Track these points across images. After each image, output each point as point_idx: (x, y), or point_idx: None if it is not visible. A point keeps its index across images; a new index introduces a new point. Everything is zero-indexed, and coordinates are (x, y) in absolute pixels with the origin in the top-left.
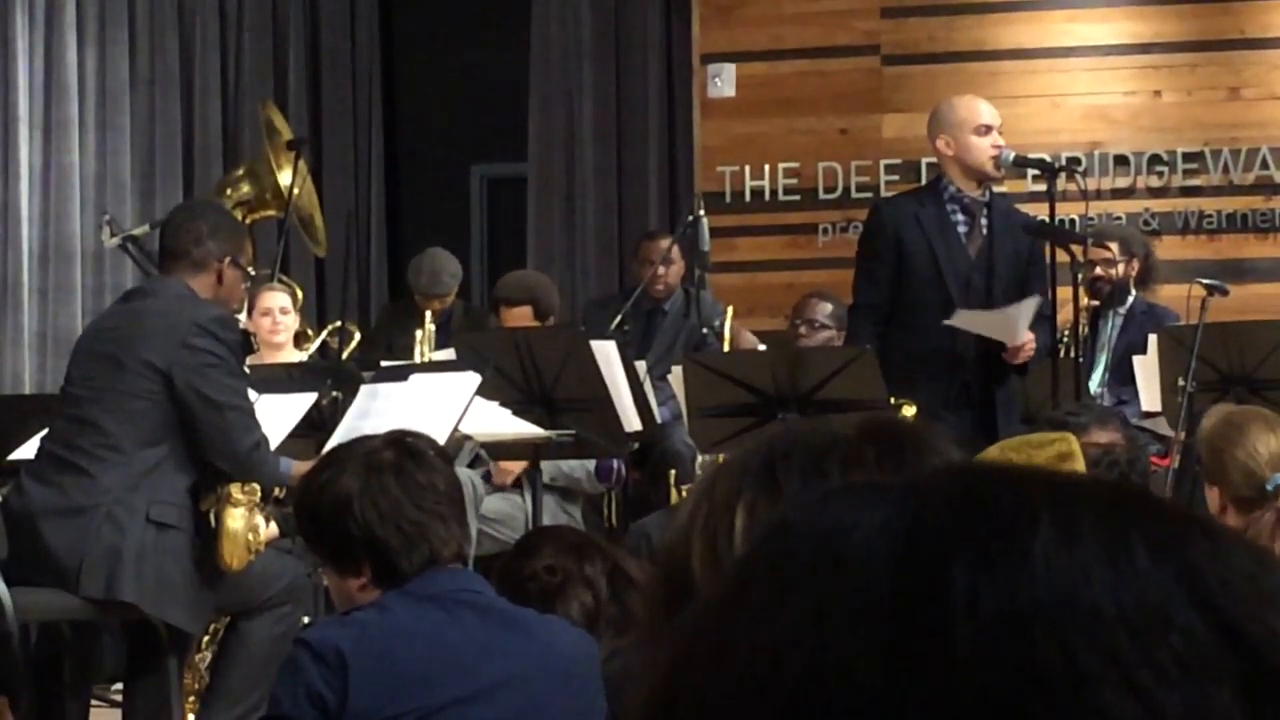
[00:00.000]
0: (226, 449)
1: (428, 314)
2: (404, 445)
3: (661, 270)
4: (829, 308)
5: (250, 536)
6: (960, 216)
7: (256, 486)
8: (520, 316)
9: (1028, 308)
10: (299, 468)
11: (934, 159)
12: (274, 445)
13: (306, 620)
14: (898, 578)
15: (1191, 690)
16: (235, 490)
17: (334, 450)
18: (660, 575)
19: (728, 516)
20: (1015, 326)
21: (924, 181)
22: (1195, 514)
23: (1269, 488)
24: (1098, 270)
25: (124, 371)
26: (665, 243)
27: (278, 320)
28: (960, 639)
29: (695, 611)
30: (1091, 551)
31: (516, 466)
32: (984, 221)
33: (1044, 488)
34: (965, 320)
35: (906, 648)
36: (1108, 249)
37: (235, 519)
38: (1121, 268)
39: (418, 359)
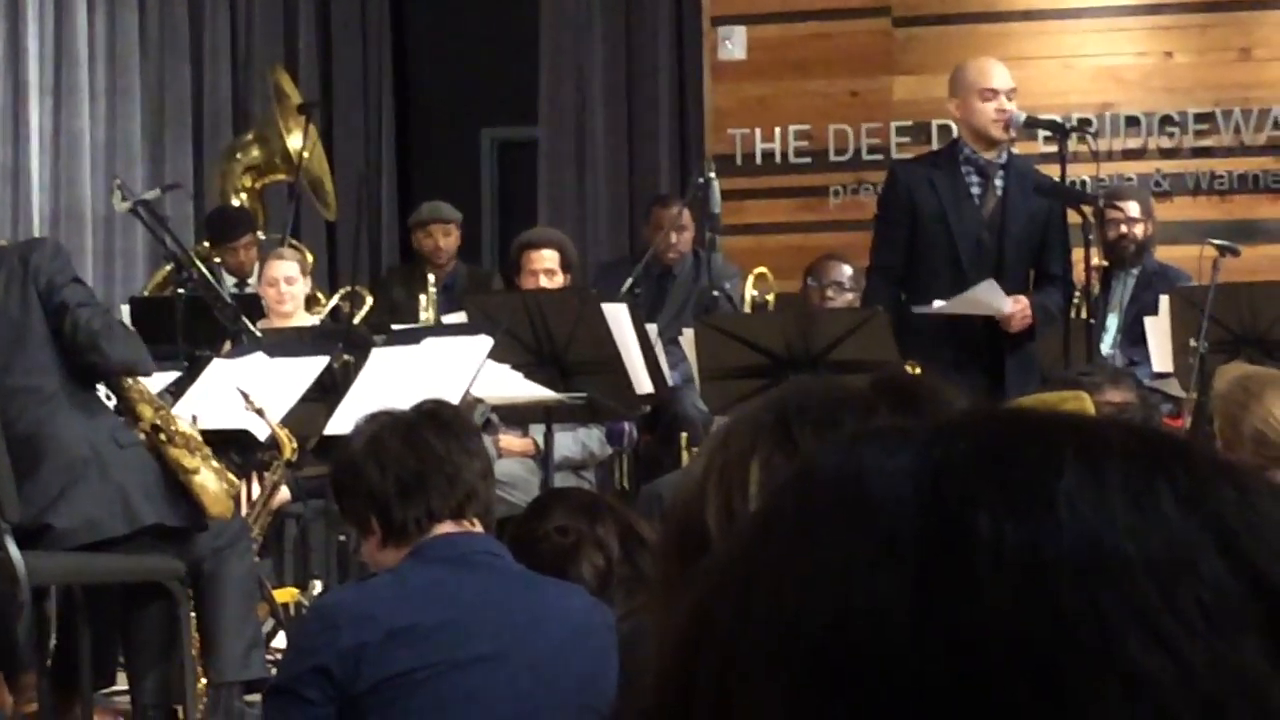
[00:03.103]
0: (91, 342)
1: (429, 279)
2: (426, 411)
3: (674, 238)
4: (849, 270)
5: (226, 485)
6: (974, 178)
7: (192, 435)
8: (548, 259)
9: (984, 288)
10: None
11: (945, 121)
12: (287, 409)
13: (320, 586)
14: (922, 524)
15: (1217, 640)
16: (185, 459)
17: (366, 415)
18: (673, 531)
19: (743, 472)
20: (987, 303)
21: (934, 143)
22: (1224, 461)
23: None
24: (1122, 229)
25: (20, 326)
26: (675, 209)
27: (283, 290)
28: (985, 585)
29: (718, 558)
30: (1117, 498)
31: (518, 445)
32: (999, 183)
33: (1070, 433)
34: (941, 309)
35: (931, 594)
36: (1126, 209)
37: (207, 479)
38: (1141, 227)
39: (422, 322)
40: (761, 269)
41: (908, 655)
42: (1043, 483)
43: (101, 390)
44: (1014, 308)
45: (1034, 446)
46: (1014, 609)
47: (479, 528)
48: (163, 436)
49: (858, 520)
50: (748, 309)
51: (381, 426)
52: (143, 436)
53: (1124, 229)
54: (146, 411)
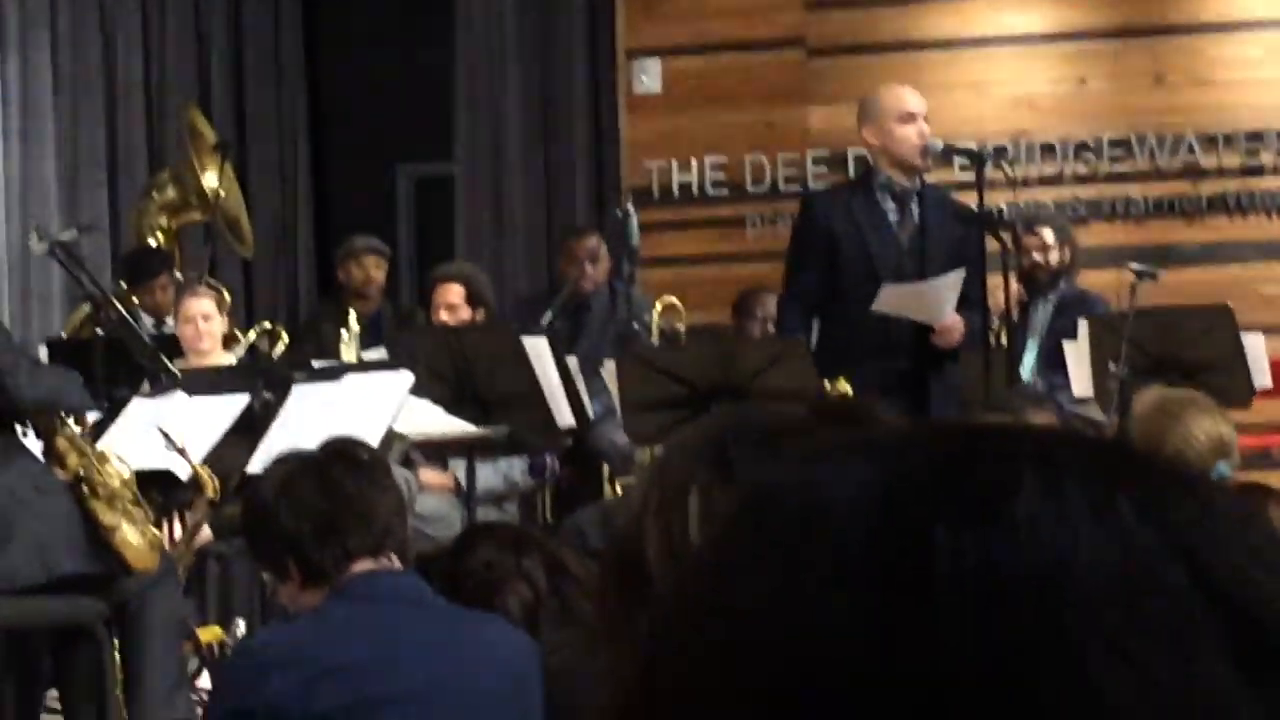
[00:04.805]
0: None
1: (352, 314)
2: (335, 449)
3: (590, 269)
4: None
5: (150, 540)
6: (891, 205)
7: (118, 493)
8: (453, 293)
9: (952, 280)
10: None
11: (861, 150)
12: (208, 447)
13: (243, 625)
14: (878, 544)
15: (1181, 655)
16: (105, 516)
17: (273, 458)
18: (613, 564)
19: (681, 503)
20: (940, 301)
21: (851, 172)
22: (1181, 472)
23: (1213, 478)
24: (1035, 257)
25: None
26: (591, 241)
27: (200, 328)
28: (943, 606)
29: (672, 587)
30: (1076, 513)
31: (438, 480)
32: (915, 210)
33: (1026, 445)
34: (890, 300)
35: (889, 616)
36: (1041, 235)
37: (128, 534)
38: (1057, 253)
39: (344, 359)
40: (670, 299)
41: (867, 679)
42: (1000, 498)
43: (30, 436)
44: (953, 320)
45: (990, 461)
46: (974, 629)
47: (397, 563)
48: (85, 489)
49: (812, 542)
50: (655, 340)
51: (290, 469)
52: (66, 479)
53: (1037, 256)
54: (72, 460)
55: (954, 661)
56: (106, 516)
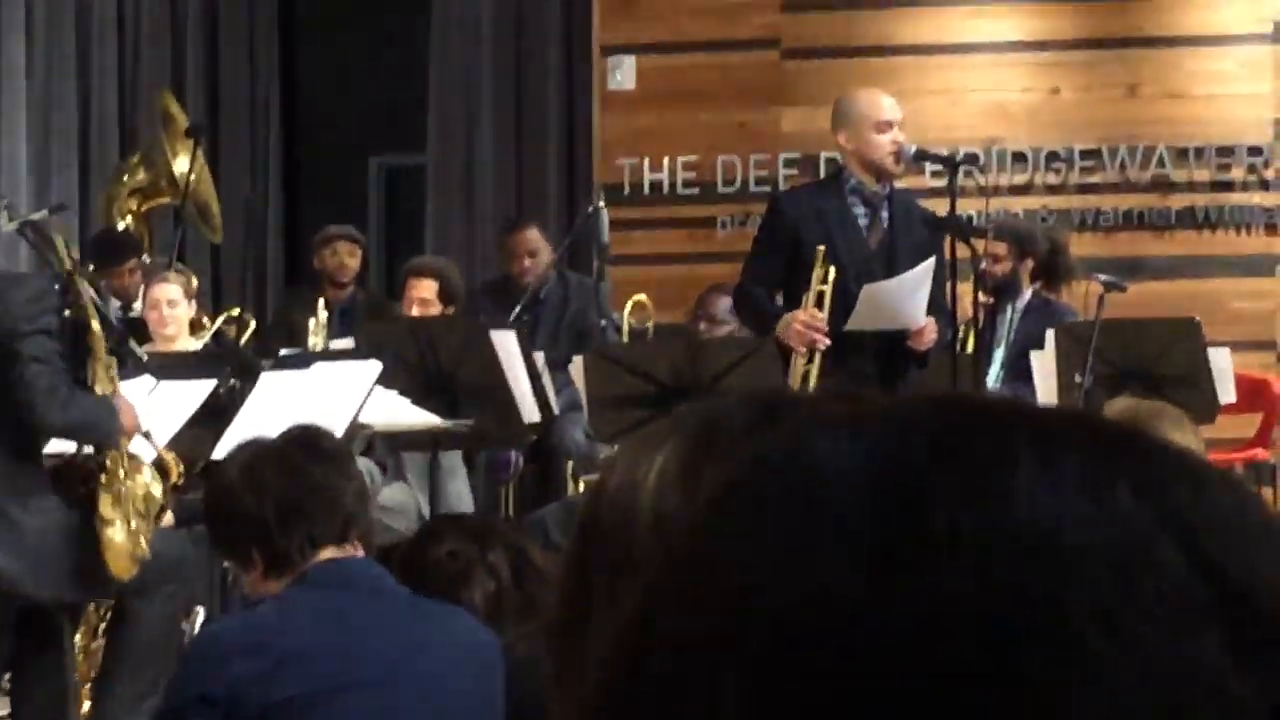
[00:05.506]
0: (29, 399)
1: (320, 302)
2: (297, 437)
3: (529, 262)
4: (728, 302)
5: (134, 550)
6: (861, 209)
7: (132, 495)
8: (426, 289)
9: (922, 271)
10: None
11: (833, 153)
12: (173, 432)
13: (202, 613)
14: (876, 519)
15: (1175, 631)
16: (106, 508)
17: (237, 445)
18: (597, 541)
19: (690, 478)
20: (913, 293)
21: (822, 175)
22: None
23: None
24: (981, 266)
25: None
26: (528, 234)
27: (165, 313)
28: (941, 579)
29: (666, 550)
30: (1073, 489)
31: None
32: (885, 214)
33: (1025, 422)
34: (865, 309)
35: (887, 588)
36: (996, 245)
37: (116, 534)
38: (1007, 265)
39: (311, 347)
40: (639, 297)
41: (862, 645)
42: (998, 474)
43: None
44: (928, 322)
45: (988, 436)
46: (970, 603)
47: (361, 551)
48: (104, 478)
49: (810, 511)
50: (625, 338)
51: (254, 456)
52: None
53: (983, 265)
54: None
55: (948, 632)
56: (105, 508)
